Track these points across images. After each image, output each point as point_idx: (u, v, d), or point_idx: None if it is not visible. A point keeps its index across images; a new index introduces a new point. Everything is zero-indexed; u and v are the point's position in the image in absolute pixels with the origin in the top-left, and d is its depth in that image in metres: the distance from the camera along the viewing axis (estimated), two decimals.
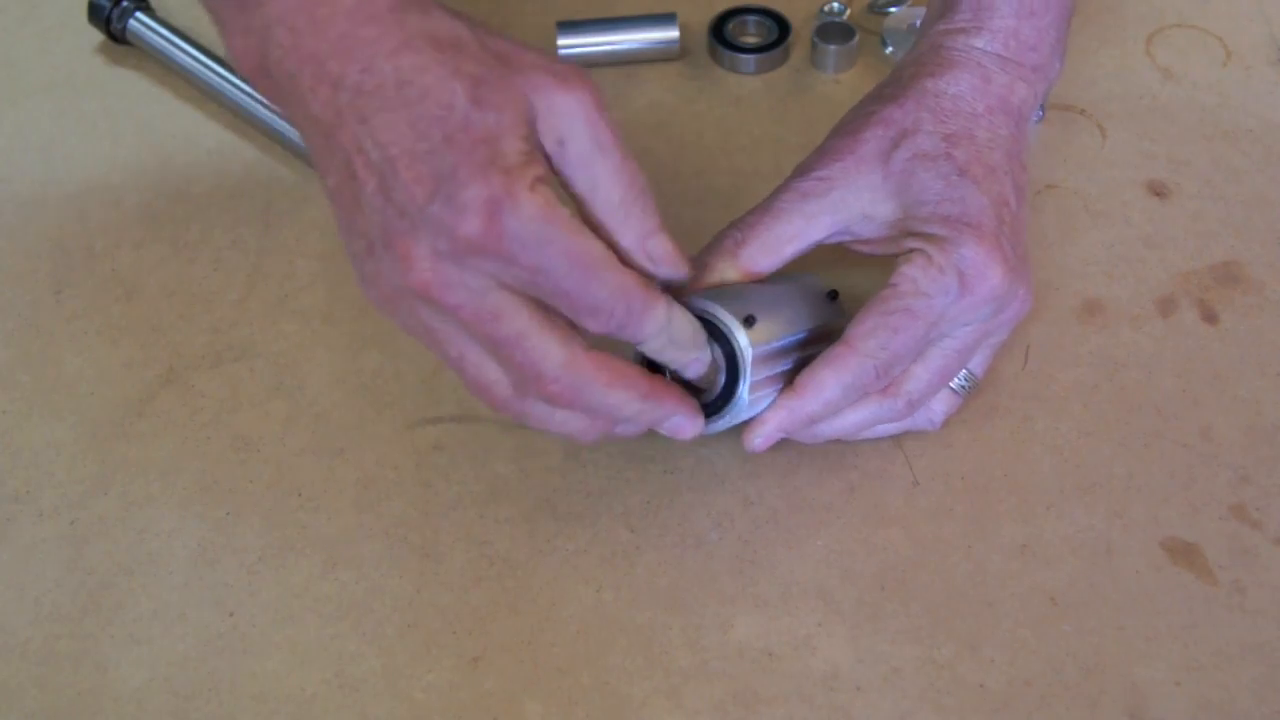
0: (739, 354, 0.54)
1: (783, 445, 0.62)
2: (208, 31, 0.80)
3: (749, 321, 0.54)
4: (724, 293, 0.57)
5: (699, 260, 0.58)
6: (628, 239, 0.50)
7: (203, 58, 0.77)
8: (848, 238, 0.60)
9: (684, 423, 0.54)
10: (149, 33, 0.79)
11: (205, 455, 0.63)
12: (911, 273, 0.56)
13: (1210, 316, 0.66)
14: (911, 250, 0.56)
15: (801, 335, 0.58)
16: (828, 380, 0.55)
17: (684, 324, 0.52)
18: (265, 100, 0.69)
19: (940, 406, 0.60)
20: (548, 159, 0.48)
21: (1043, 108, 0.74)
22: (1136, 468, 0.61)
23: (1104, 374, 0.64)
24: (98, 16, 0.79)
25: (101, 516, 0.61)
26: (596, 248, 0.48)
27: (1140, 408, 0.63)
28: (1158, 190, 0.72)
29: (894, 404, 0.58)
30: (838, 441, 0.61)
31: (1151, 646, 0.56)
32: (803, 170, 0.59)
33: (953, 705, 0.54)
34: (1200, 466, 0.61)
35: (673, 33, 0.78)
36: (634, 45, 0.78)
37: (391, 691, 0.56)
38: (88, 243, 0.72)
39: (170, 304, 0.69)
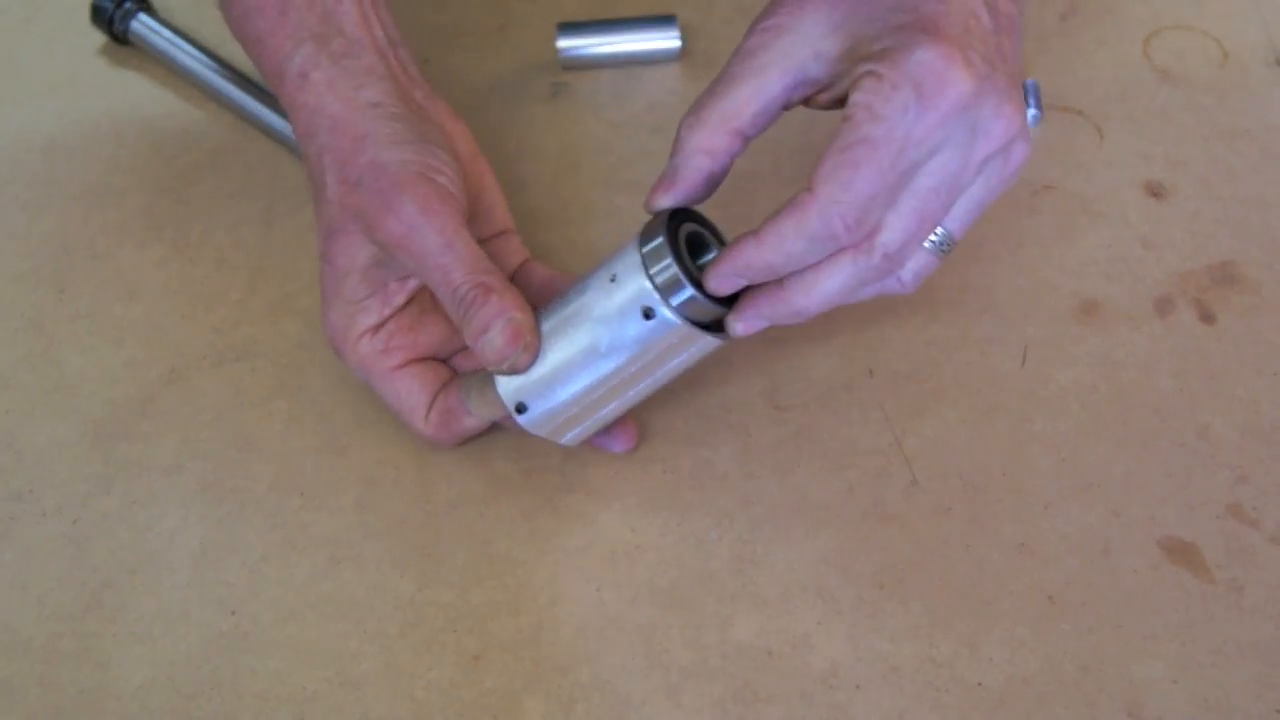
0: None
1: (782, 445, 0.62)
2: (210, 33, 0.80)
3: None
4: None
5: (673, 164, 0.54)
6: (467, 341, 0.56)
7: (205, 59, 0.77)
8: (806, 89, 0.53)
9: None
10: (151, 34, 0.79)
11: (207, 454, 0.63)
12: (862, 98, 0.49)
13: (1207, 316, 0.67)
14: (861, 75, 0.50)
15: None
16: (787, 229, 0.50)
17: (482, 405, 0.59)
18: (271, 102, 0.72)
19: (911, 264, 0.54)
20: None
21: (1041, 109, 0.75)
22: (1134, 467, 0.61)
23: (1102, 374, 0.65)
24: (100, 18, 0.79)
25: (104, 515, 0.61)
26: (409, 400, 0.60)
27: (1138, 407, 0.63)
28: (1155, 191, 0.72)
29: (869, 260, 0.51)
30: (836, 438, 0.61)
31: (1149, 645, 0.56)
32: (749, 31, 0.54)
33: (951, 703, 0.55)
34: (1198, 466, 0.61)
35: (673, 34, 0.78)
36: (634, 46, 0.78)
37: (392, 690, 0.56)
38: (90, 243, 0.72)
39: (172, 304, 0.69)
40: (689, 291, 0.52)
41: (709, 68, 0.79)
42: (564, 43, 0.78)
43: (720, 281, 0.53)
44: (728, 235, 0.56)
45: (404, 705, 0.55)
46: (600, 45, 0.78)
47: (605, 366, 0.54)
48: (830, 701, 0.55)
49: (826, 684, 0.55)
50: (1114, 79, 0.77)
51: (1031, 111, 0.74)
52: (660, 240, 0.52)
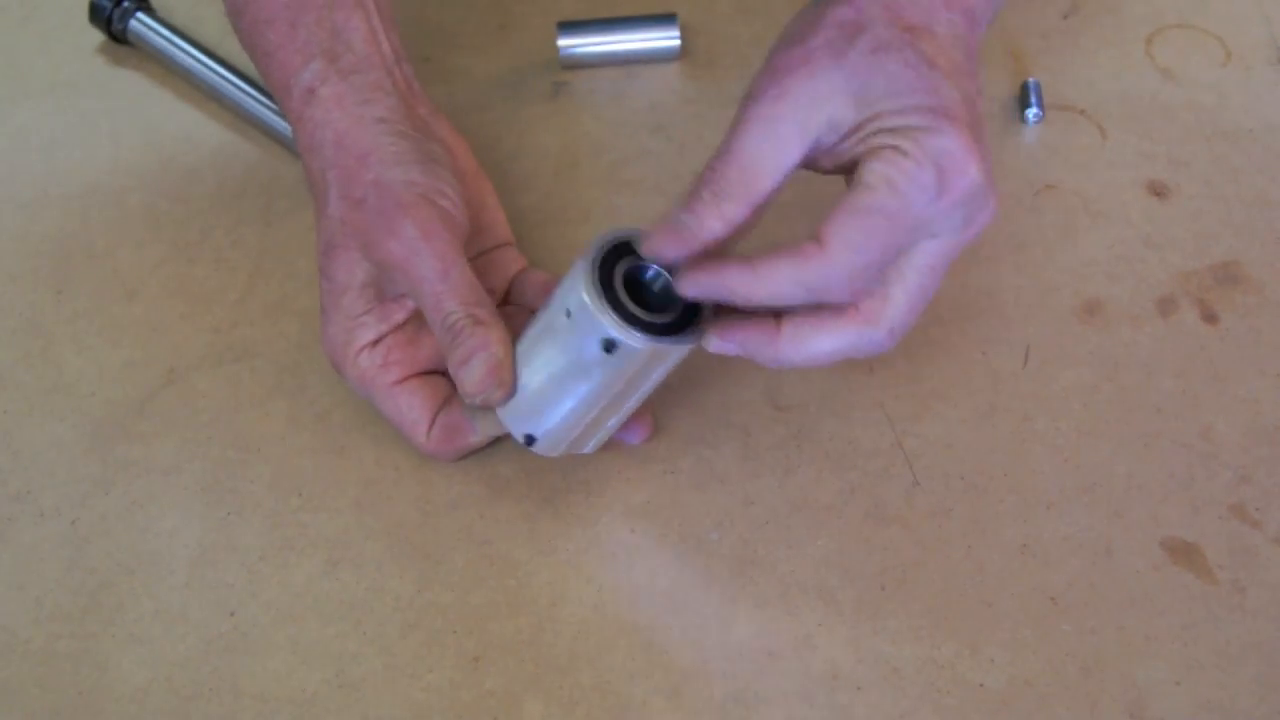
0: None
1: (783, 445, 0.62)
2: (209, 32, 0.80)
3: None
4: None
5: (675, 217, 0.53)
6: (449, 367, 0.57)
7: (204, 58, 0.77)
8: (815, 154, 0.54)
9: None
10: (150, 33, 0.79)
11: (206, 455, 0.63)
12: (885, 170, 0.50)
13: (1210, 316, 0.66)
14: (882, 147, 0.51)
15: None
16: (783, 272, 0.51)
17: (485, 423, 0.60)
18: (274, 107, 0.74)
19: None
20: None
21: (1042, 108, 0.74)
22: (1136, 467, 0.61)
23: (1104, 374, 0.64)
24: (99, 17, 0.79)
25: (103, 516, 0.61)
26: (407, 416, 0.60)
27: (1140, 408, 0.63)
28: (1158, 190, 0.72)
29: (874, 334, 0.53)
30: (837, 438, 0.61)
31: (1151, 646, 0.56)
32: (756, 94, 0.53)
33: (953, 705, 0.54)
34: (1200, 466, 0.61)
35: (673, 33, 0.78)
36: (634, 45, 0.78)
37: (392, 691, 0.56)
38: (89, 243, 0.72)
39: (171, 304, 0.69)
40: (637, 331, 0.52)
41: (709, 67, 0.79)
42: (564, 42, 0.78)
43: (694, 289, 0.53)
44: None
45: (404, 706, 0.55)
46: (600, 44, 0.78)
47: (588, 388, 0.55)
48: (831, 703, 0.55)
49: (827, 685, 0.55)
50: (1116, 78, 0.77)
51: (1033, 110, 0.74)
52: (593, 287, 0.52)
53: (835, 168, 0.54)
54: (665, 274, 0.55)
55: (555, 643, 0.57)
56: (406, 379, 0.60)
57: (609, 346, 0.53)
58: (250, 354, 0.67)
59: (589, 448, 0.59)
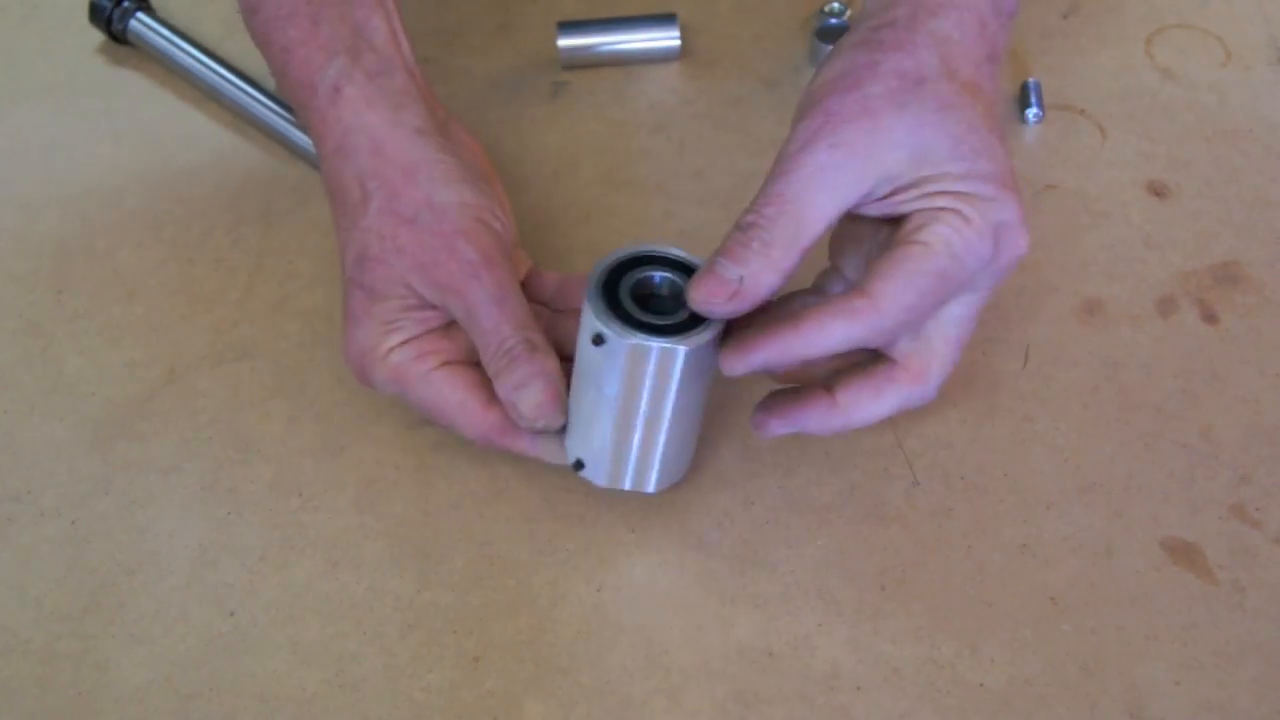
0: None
1: (782, 444, 0.62)
2: (209, 32, 0.80)
3: None
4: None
5: (724, 267, 0.52)
6: (499, 391, 0.56)
7: (204, 58, 0.77)
8: (863, 202, 0.53)
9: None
10: (150, 33, 0.79)
11: (206, 455, 0.63)
12: (947, 234, 0.51)
13: (1210, 316, 0.66)
14: (944, 209, 0.51)
15: None
16: (836, 330, 0.51)
17: (549, 446, 0.58)
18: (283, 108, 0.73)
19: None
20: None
21: (1043, 108, 0.74)
22: (1136, 467, 0.61)
23: (1104, 374, 0.64)
24: (99, 17, 0.79)
25: (103, 516, 0.61)
26: (451, 399, 0.58)
27: (1140, 408, 0.63)
28: (1158, 190, 0.72)
29: (923, 391, 0.54)
30: (837, 438, 0.61)
31: (1151, 646, 0.56)
32: (809, 140, 0.52)
33: (953, 705, 0.55)
34: (1200, 466, 0.61)
35: (673, 33, 0.78)
36: (634, 45, 0.78)
37: (392, 691, 0.56)
38: (89, 243, 0.72)
39: (171, 304, 0.69)
40: (616, 323, 0.52)
41: (709, 67, 0.79)
42: (564, 42, 0.78)
43: (745, 365, 0.52)
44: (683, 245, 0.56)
45: (404, 706, 0.55)
46: (600, 44, 0.78)
47: (609, 402, 0.55)
48: (831, 703, 0.55)
49: (827, 685, 0.55)
50: (1116, 78, 0.77)
51: (1033, 110, 0.74)
52: (593, 290, 0.53)
53: (879, 215, 0.53)
54: (671, 279, 0.54)
55: (555, 643, 0.57)
56: (442, 366, 0.58)
57: (598, 340, 0.53)
58: (250, 354, 0.67)
59: (650, 485, 0.58)
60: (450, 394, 0.58)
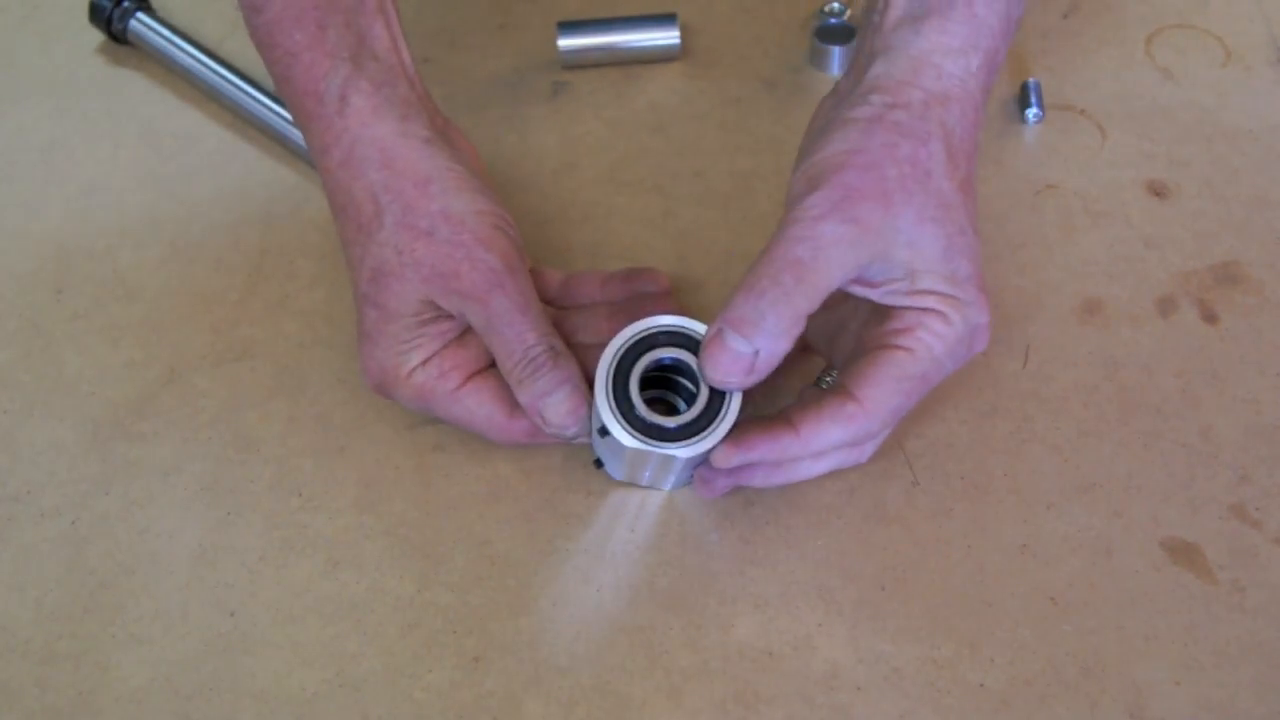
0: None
1: None
2: (208, 32, 0.80)
3: None
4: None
5: (732, 339, 0.53)
6: (522, 398, 0.57)
7: (204, 58, 0.77)
8: (855, 283, 0.55)
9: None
10: (150, 33, 0.79)
11: (206, 455, 0.63)
12: (929, 340, 0.54)
13: (1210, 316, 0.66)
14: (929, 310, 0.54)
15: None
16: (832, 433, 0.54)
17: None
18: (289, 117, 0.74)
19: (870, 445, 0.59)
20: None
21: (1042, 108, 0.74)
22: (1136, 467, 0.61)
23: (1104, 374, 0.64)
24: (99, 17, 0.79)
25: (102, 516, 0.61)
26: (479, 413, 0.59)
27: (1140, 407, 0.63)
28: (1158, 190, 0.72)
29: (859, 455, 0.58)
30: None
31: (1151, 646, 0.56)
32: (821, 210, 0.52)
33: (953, 705, 0.54)
34: (1200, 466, 0.61)
35: (673, 33, 0.78)
36: (634, 45, 0.78)
37: (392, 691, 0.56)
38: (89, 243, 0.72)
39: (171, 304, 0.69)
40: (621, 427, 0.54)
41: (709, 67, 0.79)
42: (564, 42, 0.78)
43: (736, 459, 0.54)
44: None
45: (404, 706, 0.55)
46: (600, 44, 0.78)
47: (620, 461, 0.58)
48: (831, 703, 0.55)
49: (827, 685, 0.55)
50: (1116, 78, 0.77)
51: (1033, 110, 0.74)
52: (603, 379, 0.55)
53: (863, 296, 0.55)
54: (682, 358, 0.55)
55: (555, 643, 0.57)
56: (465, 382, 0.59)
57: (603, 432, 0.55)
58: (250, 354, 0.67)
59: (667, 487, 0.61)
60: (477, 409, 0.59)
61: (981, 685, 0.55)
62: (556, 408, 0.56)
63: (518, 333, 0.56)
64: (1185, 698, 0.54)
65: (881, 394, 0.54)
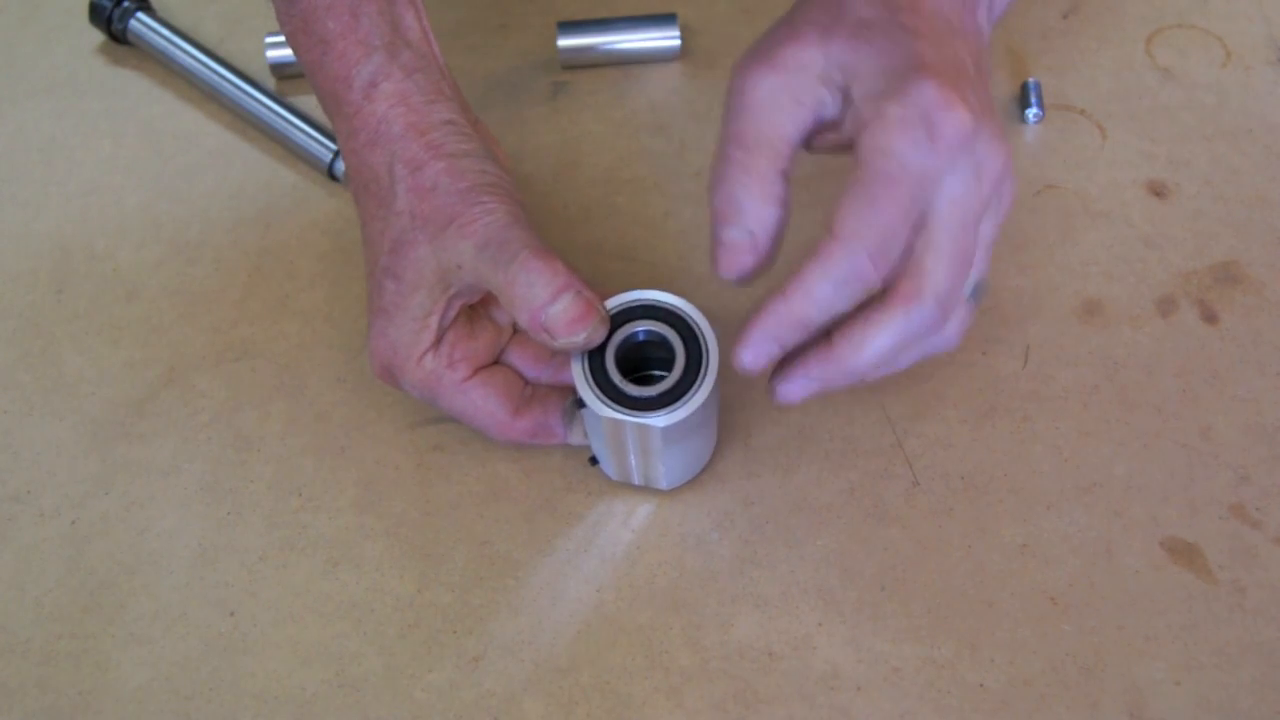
0: (702, 338, 0.55)
1: (782, 444, 0.62)
2: (208, 32, 0.80)
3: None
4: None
5: (723, 227, 0.52)
6: (522, 319, 0.54)
7: (204, 58, 0.77)
8: (821, 129, 0.53)
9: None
10: (150, 33, 0.79)
11: (206, 455, 0.63)
12: (873, 140, 0.50)
13: (1210, 316, 0.66)
14: (869, 118, 0.50)
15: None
16: (813, 277, 0.50)
17: (577, 432, 0.60)
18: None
19: (954, 321, 0.54)
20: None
21: (1042, 108, 0.74)
22: (1136, 468, 0.61)
23: (1104, 374, 0.64)
24: (99, 17, 0.79)
25: (102, 516, 0.61)
26: (484, 408, 0.58)
27: (1140, 407, 0.63)
28: (1158, 190, 0.72)
29: (921, 309, 0.50)
30: (836, 439, 0.61)
31: (1151, 646, 0.56)
32: (746, 74, 0.53)
33: (953, 705, 0.54)
34: (1200, 466, 0.61)
35: (673, 33, 0.78)
36: (634, 45, 0.78)
37: (392, 691, 0.56)
38: (88, 243, 0.72)
39: (171, 304, 0.69)
40: (594, 395, 0.54)
41: (709, 67, 0.79)
42: (564, 42, 0.78)
43: (752, 352, 0.51)
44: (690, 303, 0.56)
45: (404, 706, 0.55)
46: (600, 44, 0.78)
47: (607, 448, 0.57)
48: (831, 703, 0.55)
49: (827, 685, 0.55)
50: (1116, 78, 0.77)
51: (1033, 110, 0.74)
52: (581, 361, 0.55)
53: (833, 146, 0.53)
54: (657, 329, 0.55)
55: (555, 643, 0.57)
56: (473, 374, 0.59)
57: (579, 403, 0.54)
58: (250, 354, 0.67)
59: (662, 485, 0.60)
60: (482, 403, 0.58)
61: (981, 685, 0.55)
62: (563, 311, 0.54)
63: (528, 256, 0.54)
64: (1185, 697, 0.54)
65: (845, 214, 0.49)
